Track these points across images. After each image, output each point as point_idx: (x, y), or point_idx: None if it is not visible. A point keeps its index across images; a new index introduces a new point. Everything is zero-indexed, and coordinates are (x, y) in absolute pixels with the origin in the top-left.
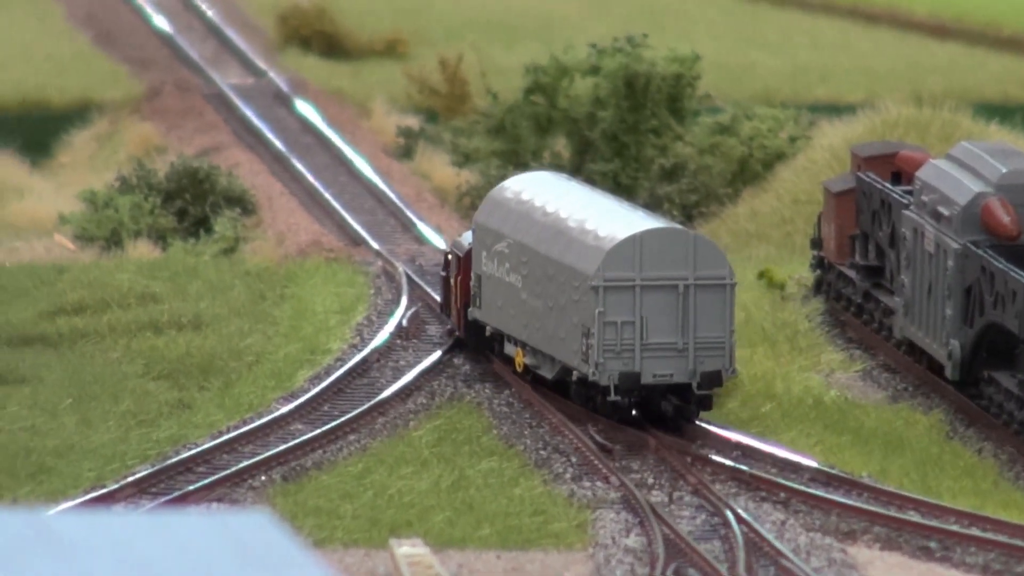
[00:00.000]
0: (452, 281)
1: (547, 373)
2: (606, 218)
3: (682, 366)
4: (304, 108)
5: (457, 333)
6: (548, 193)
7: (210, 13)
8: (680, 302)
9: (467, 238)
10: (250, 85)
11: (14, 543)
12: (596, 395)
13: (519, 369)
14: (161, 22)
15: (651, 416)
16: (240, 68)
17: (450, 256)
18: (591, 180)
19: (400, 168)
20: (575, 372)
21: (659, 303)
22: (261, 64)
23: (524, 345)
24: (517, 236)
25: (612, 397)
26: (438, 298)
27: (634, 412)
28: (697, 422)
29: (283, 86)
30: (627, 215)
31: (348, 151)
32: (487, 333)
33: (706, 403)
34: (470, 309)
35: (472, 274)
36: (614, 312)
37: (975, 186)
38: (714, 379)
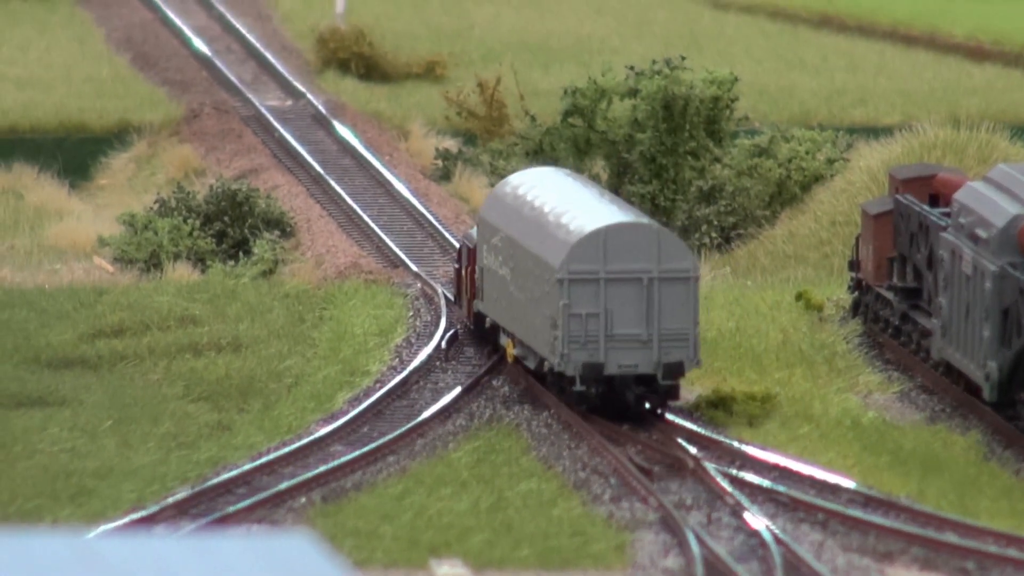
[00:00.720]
0: (463, 272)
1: (530, 364)
2: (579, 212)
3: (647, 357)
4: (342, 130)
5: (467, 323)
6: (541, 188)
7: (249, 36)
8: (645, 295)
9: (474, 232)
10: (288, 107)
11: (55, 566)
12: (564, 385)
13: (510, 360)
14: (200, 45)
15: (620, 407)
16: (279, 90)
17: (461, 248)
18: (629, 201)
19: (438, 190)
20: (546, 361)
21: (624, 296)
22: (299, 86)
23: (513, 336)
24: (508, 230)
25: (577, 387)
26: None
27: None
28: (736, 443)
29: (321, 108)
30: (600, 209)
31: (386, 173)
32: (487, 325)
33: (672, 393)
34: (476, 301)
35: (476, 267)
36: (579, 304)
37: (1012, 208)
38: (678, 370)
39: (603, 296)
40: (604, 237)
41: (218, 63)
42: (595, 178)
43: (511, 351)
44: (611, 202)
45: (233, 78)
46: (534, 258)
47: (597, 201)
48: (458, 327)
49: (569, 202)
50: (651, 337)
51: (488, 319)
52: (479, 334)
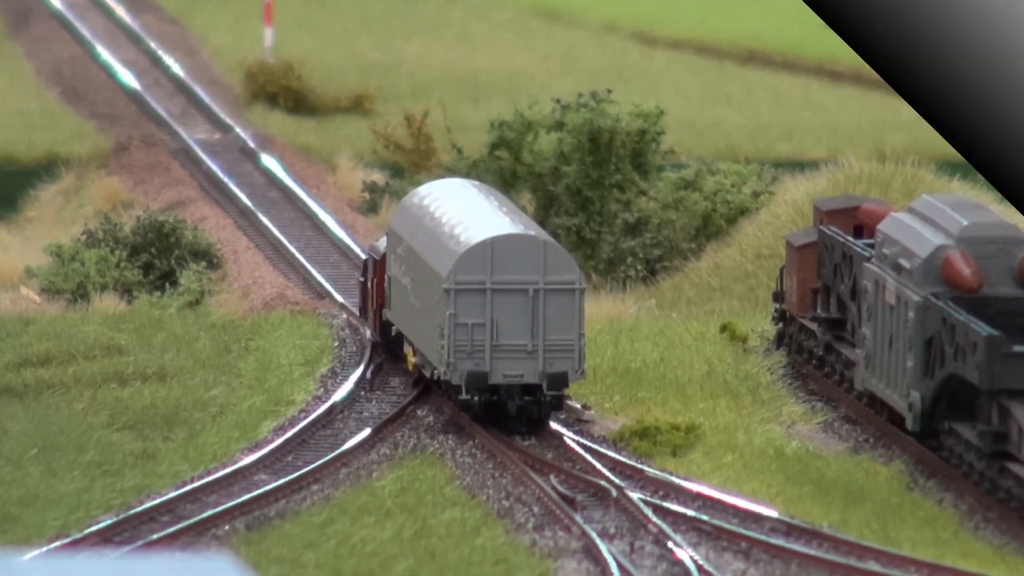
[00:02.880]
0: (368, 285)
1: (427, 372)
2: (472, 224)
3: (532, 367)
4: (270, 163)
5: (373, 335)
6: (443, 199)
7: (178, 70)
8: (530, 305)
9: (383, 243)
10: (216, 140)
11: None
12: (451, 393)
13: (411, 369)
14: (129, 79)
15: (506, 416)
16: (207, 124)
17: (367, 261)
18: (555, 234)
19: (365, 222)
20: (436, 369)
21: (510, 306)
22: (228, 120)
23: (413, 345)
24: (410, 240)
25: (463, 396)
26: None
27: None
28: (659, 471)
29: (249, 141)
30: (492, 221)
31: (314, 205)
32: (392, 333)
33: (556, 403)
34: (384, 310)
35: (387, 278)
36: (465, 314)
37: (936, 239)
38: (562, 381)
39: (489, 306)
40: (491, 248)
41: (147, 97)
42: (522, 210)
43: (411, 359)
44: (506, 214)
45: (162, 111)
46: (428, 268)
47: (492, 213)
48: (382, 359)
49: (465, 213)
50: (536, 348)
51: (394, 328)
52: (384, 343)
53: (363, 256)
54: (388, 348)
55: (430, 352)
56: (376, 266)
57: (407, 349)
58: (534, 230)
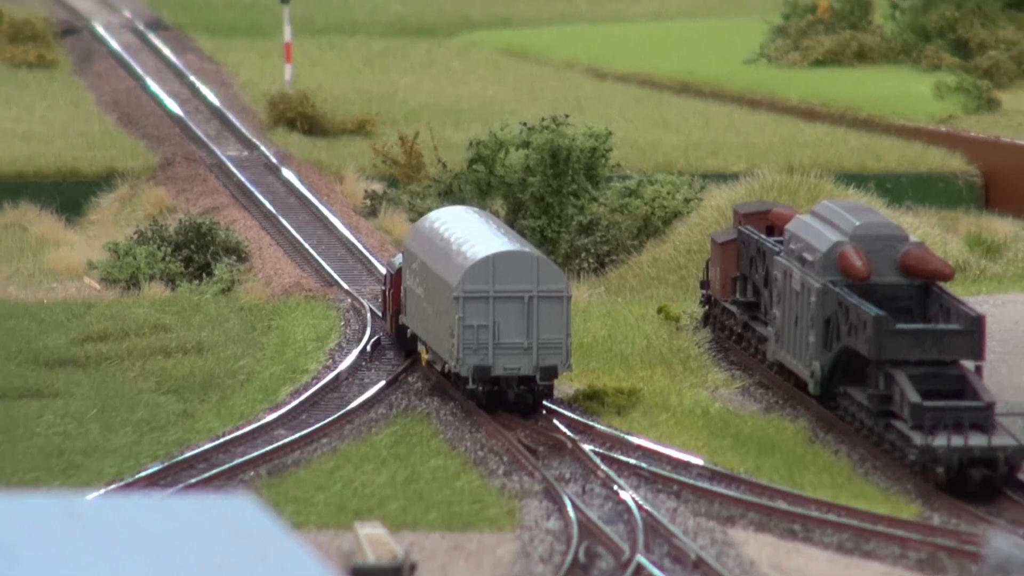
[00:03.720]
0: (387, 293)
1: (439, 366)
2: (476, 243)
3: (527, 362)
4: (288, 176)
5: (390, 333)
6: (450, 223)
7: (213, 99)
8: (526, 310)
9: (398, 259)
10: (245, 157)
11: (46, 522)
12: (460, 383)
13: (424, 363)
14: (173, 106)
15: (504, 402)
16: (237, 143)
17: (387, 274)
18: (522, 234)
19: (367, 224)
20: (447, 364)
21: (509, 311)
22: (254, 140)
23: (426, 344)
24: (423, 257)
25: (470, 385)
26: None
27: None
28: (607, 427)
29: (272, 158)
30: (492, 240)
31: (324, 210)
32: (408, 335)
33: (547, 392)
34: (401, 316)
35: (402, 287)
36: (472, 317)
37: (833, 236)
38: (552, 373)
39: (491, 311)
40: (493, 262)
41: (188, 121)
42: (495, 214)
43: (424, 356)
44: (504, 234)
45: (200, 133)
46: (440, 279)
47: (492, 233)
48: (380, 335)
49: (469, 234)
50: (531, 345)
51: (409, 330)
52: (401, 343)
53: (382, 266)
54: (402, 345)
55: (441, 349)
56: (392, 279)
57: (421, 347)
58: (528, 247)
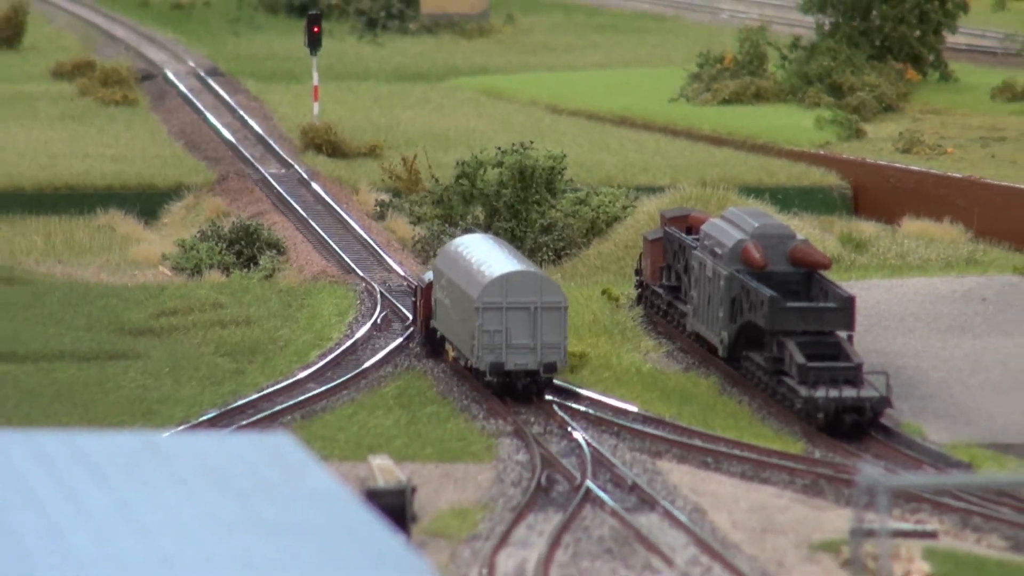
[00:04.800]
0: (417, 303)
1: (462, 362)
2: (492, 263)
3: (533, 359)
4: (316, 188)
5: (419, 336)
6: (472, 247)
7: (258, 129)
8: (532, 318)
9: (427, 276)
10: (282, 174)
11: (131, 453)
12: (479, 375)
13: (450, 360)
14: (227, 135)
15: (516, 391)
16: (276, 163)
17: (416, 288)
18: (497, 234)
19: (376, 225)
20: (469, 360)
21: (518, 318)
22: (290, 160)
23: (452, 344)
24: (450, 274)
25: (487, 378)
26: (403, 309)
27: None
28: (562, 382)
29: (303, 174)
30: (505, 262)
31: (344, 214)
32: (438, 336)
33: (548, 382)
34: (432, 320)
35: (432, 298)
36: (489, 324)
37: (738, 235)
38: (553, 368)
39: (504, 318)
40: (505, 280)
41: (239, 146)
42: (475, 218)
43: (451, 354)
44: (514, 257)
45: (248, 155)
46: (463, 293)
47: (504, 256)
48: (387, 311)
49: (486, 257)
50: (536, 346)
51: (439, 333)
52: (431, 343)
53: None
54: (431, 344)
55: (464, 349)
56: (422, 292)
57: (448, 346)
58: (533, 268)
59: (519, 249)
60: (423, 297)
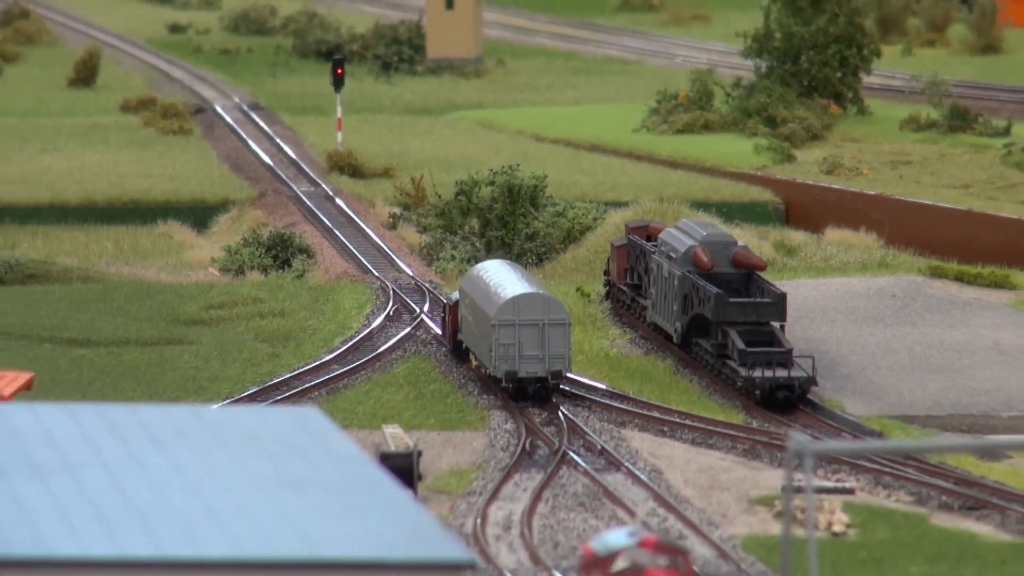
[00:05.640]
0: (446, 319)
1: (483, 370)
2: (506, 286)
3: (542, 367)
4: (340, 203)
5: (448, 347)
6: (491, 272)
7: (292, 154)
8: (540, 332)
9: (454, 296)
10: (312, 191)
11: (184, 423)
12: (495, 382)
13: (473, 366)
14: (266, 159)
15: (527, 395)
16: (307, 182)
17: (445, 306)
18: (490, 243)
19: (389, 234)
20: (488, 369)
21: (529, 333)
22: (318, 180)
23: (474, 354)
24: (472, 295)
25: (503, 384)
26: (412, 304)
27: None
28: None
29: (329, 191)
30: (518, 285)
31: (362, 225)
32: (463, 347)
33: (555, 387)
34: (458, 334)
35: (459, 315)
36: (503, 338)
37: (689, 242)
38: (559, 375)
39: (517, 333)
40: (517, 301)
41: (276, 168)
42: (471, 228)
43: (474, 362)
44: (526, 280)
45: (283, 176)
46: (483, 312)
47: (517, 280)
48: (398, 305)
49: (502, 281)
50: (544, 356)
51: (464, 344)
52: (457, 352)
53: (399, 261)
54: (457, 353)
55: (484, 358)
56: (450, 309)
57: (471, 356)
58: (542, 290)
59: (507, 254)
60: (451, 314)
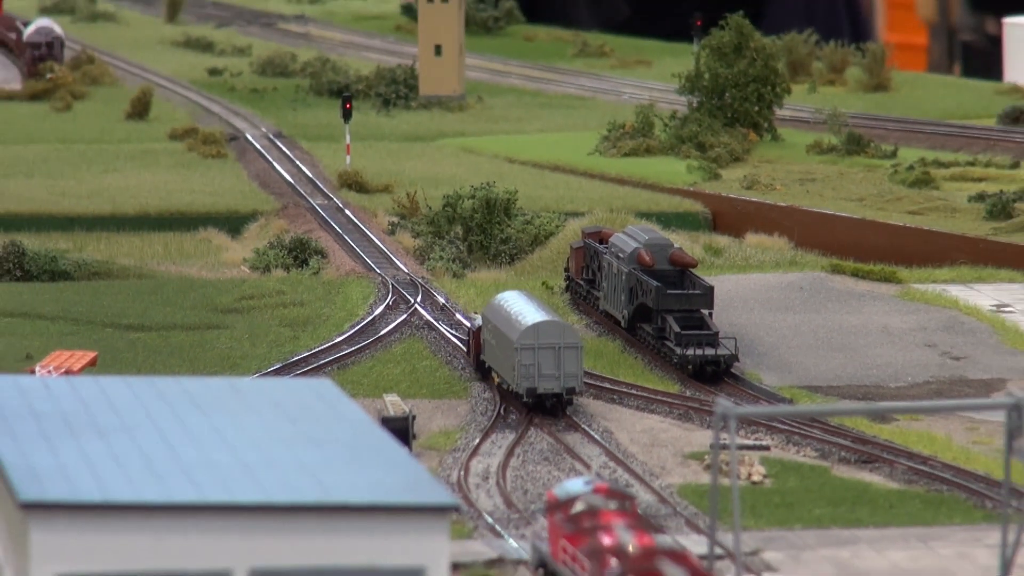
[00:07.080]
0: (471, 342)
1: (505, 387)
2: (525, 314)
3: (557, 384)
4: (349, 213)
5: (472, 367)
6: (511, 302)
7: (309, 173)
8: (556, 355)
9: (477, 320)
10: (326, 204)
11: (221, 392)
12: (518, 397)
13: (495, 383)
14: (288, 177)
15: (545, 408)
16: (321, 197)
17: (469, 331)
18: (471, 246)
19: (388, 239)
20: (510, 386)
21: (546, 355)
22: (330, 194)
23: (497, 373)
24: (495, 322)
25: (524, 399)
26: (408, 296)
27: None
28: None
29: (339, 204)
30: (536, 314)
31: (367, 231)
32: (486, 367)
33: (570, 402)
34: (481, 355)
35: (482, 339)
36: (524, 359)
37: (634, 244)
38: (573, 391)
39: (536, 355)
40: (537, 327)
41: (296, 185)
42: (456, 234)
43: (496, 379)
44: (542, 309)
45: (302, 191)
46: (506, 337)
47: (535, 309)
48: (396, 297)
49: (522, 309)
50: (560, 375)
51: (486, 364)
52: (480, 372)
53: (398, 259)
54: (481, 372)
55: (507, 377)
56: (474, 334)
57: (494, 375)
58: (557, 318)
59: (486, 255)
60: (474, 338)
